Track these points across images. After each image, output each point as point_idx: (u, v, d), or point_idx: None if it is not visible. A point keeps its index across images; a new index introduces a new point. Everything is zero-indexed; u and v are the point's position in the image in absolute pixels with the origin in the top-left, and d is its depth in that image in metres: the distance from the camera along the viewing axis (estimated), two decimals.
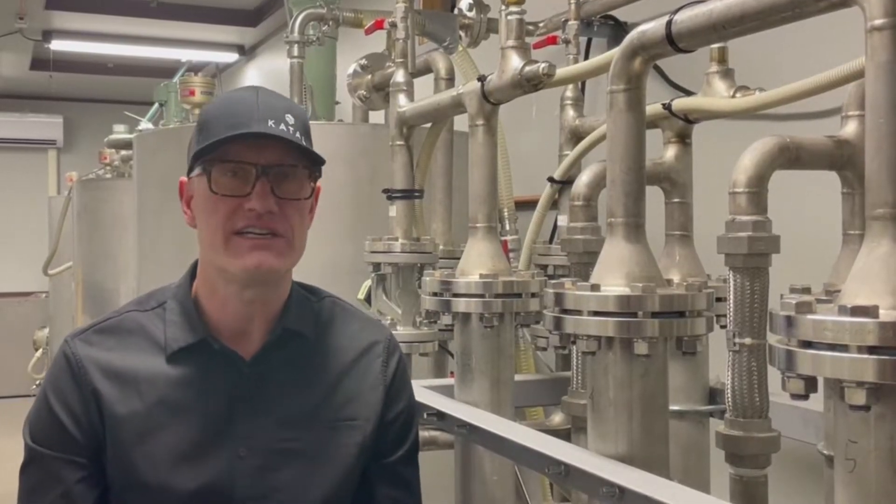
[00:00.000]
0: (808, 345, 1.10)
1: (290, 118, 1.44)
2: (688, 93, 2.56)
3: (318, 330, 1.58)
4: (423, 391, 2.01)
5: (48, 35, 8.24)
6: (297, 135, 1.44)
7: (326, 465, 1.52)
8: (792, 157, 1.58)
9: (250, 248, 1.43)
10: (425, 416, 1.89)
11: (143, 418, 1.47)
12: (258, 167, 1.42)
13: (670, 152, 2.00)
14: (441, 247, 2.71)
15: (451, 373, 2.34)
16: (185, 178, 1.53)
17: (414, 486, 1.65)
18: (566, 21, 2.86)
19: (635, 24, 1.53)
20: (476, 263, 2.02)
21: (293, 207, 1.46)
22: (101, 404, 1.46)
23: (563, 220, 2.53)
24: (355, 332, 1.62)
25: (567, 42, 2.82)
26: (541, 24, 3.41)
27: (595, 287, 1.48)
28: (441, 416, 1.88)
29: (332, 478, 1.52)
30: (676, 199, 1.99)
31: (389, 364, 1.62)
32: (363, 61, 3.42)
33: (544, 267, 2.61)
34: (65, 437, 1.46)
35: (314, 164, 1.48)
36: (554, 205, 2.60)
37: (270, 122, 1.42)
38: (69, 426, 1.46)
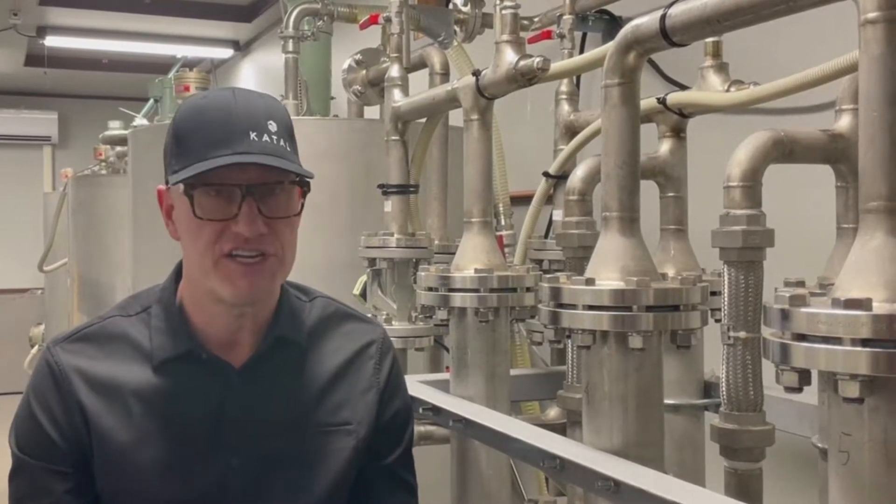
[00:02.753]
0: (802, 338, 1.10)
1: (272, 125, 1.36)
2: (682, 87, 2.56)
3: (309, 332, 1.52)
4: (419, 386, 2.01)
5: (42, 31, 8.20)
6: (282, 143, 1.36)
7: (319, 471, 1.48)
8: (786, 150, 1.58)
9: (241, 273, 1.36)
10: (421, 410, 1.89)
11: (131, 430, 1.42)
12: (243, 187, 1.34)
13: (665, 146, 2.00)
14: (436, 242, 2.71)
15: (447, 368, 2.34)
16: (163, 188, 1.45)
17: (412, 485, 1.63)
18: (561, 16, 2.85)
19: (630, 19, 1.53)
20: (471, 258, 2.02)
21: (283, 224, 1.38)
22: (87, 416, 1.42)
23: (558, 215, 2.53)
24: (348, 332, 1.57)
25: (562, 37, 2.81)
26: (535, 19, 3.40)
27: (590, 281, 1.49)
28: (437, 410, 1.88)
29: (324, 483, 1.48)
30: (671, 194, 2.00)
31: (383, 366, 1.57)
32: (358, 56, 3.41)
33: (539, 262, 2.62)
34: (50, 447, 1.42)
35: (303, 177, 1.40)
36: (549, 199, 2.60)
37: (253, 135, 1.33)
38: (54, 437, 1.42)
